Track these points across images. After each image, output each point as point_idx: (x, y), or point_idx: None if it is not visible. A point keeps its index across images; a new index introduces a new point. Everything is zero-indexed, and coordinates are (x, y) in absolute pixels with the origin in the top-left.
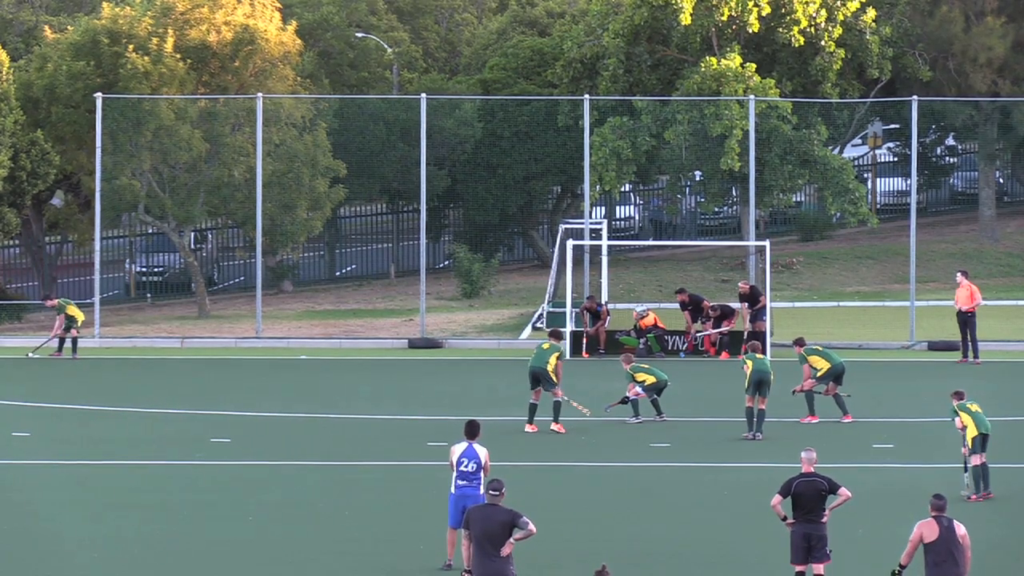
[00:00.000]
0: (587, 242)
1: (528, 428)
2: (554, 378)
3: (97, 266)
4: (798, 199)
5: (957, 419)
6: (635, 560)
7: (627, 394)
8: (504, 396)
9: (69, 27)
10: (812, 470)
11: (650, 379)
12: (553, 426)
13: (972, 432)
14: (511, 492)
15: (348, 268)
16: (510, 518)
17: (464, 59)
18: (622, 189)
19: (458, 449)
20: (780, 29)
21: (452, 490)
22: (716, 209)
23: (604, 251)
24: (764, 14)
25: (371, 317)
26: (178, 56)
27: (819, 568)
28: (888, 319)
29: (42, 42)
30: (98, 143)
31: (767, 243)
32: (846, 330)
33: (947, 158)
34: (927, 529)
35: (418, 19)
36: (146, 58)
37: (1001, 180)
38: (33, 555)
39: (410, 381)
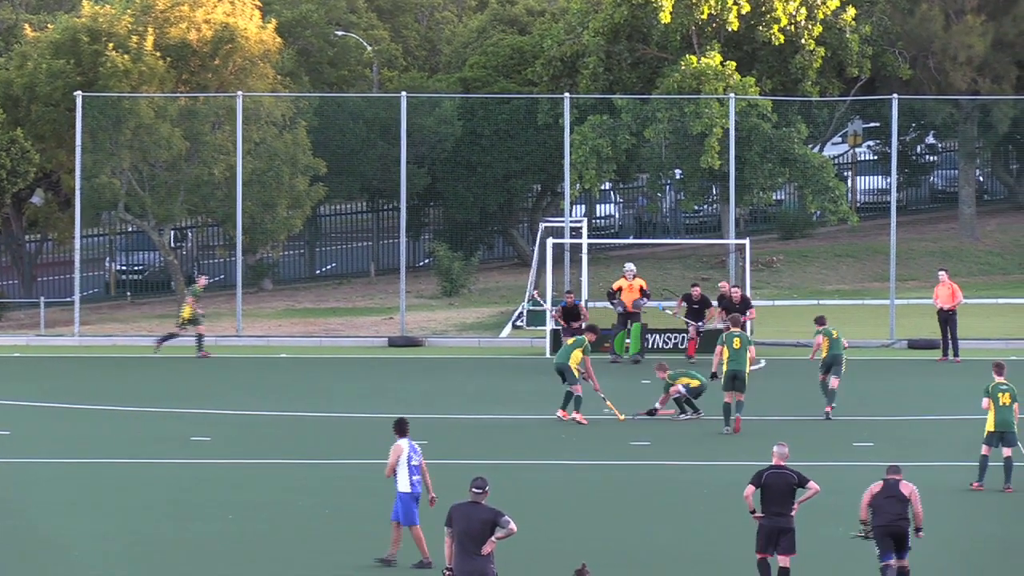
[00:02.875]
0: (567, 240)
1: (571, 416)
2: (576, 373)
3: (77, 264)
4: (778, 197)
5: (985, 399)
6: (615, 559)
7: (656, 404)
8: (484, 394)
9: (49, 25)
10: (783, 464)
11: (694, 382)
12: (575, 415)
13: (989, 426)
14: (492, 490)
15: (328, 266)
16: (492, 517)
17: (444, 57)
18: (602, 187)
19: (404, 446)
20: (760, 27)
21: (405, 488)
22: (696, 207)
23: (584, 249)
24: (744, 12)
25: (351, 315)
26: (158, 54)
27: (784, 561)
28: (868, 317)
29: (22, 40)
30: (78, 141)
31: (747, 241)
32: None
33: (927, 156)
34: (874, 486)
35: (398, 17)
36: (126, 56)
37: (981, 178)
38: (12, 553)
39: (390, 379)
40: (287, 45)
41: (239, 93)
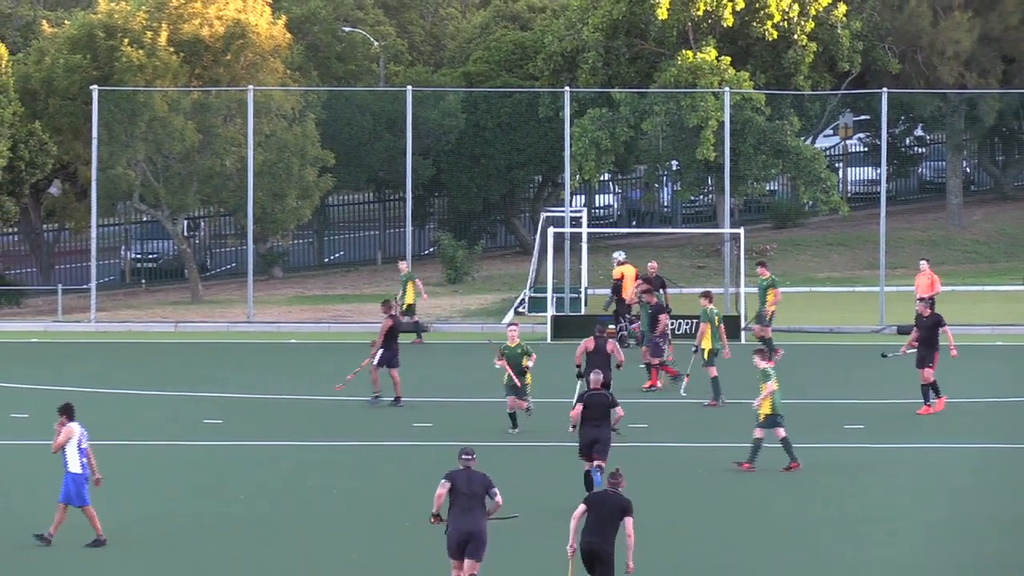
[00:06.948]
0: (567, 229)
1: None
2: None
3: (94, 253)
4: (772, 188)
5: (770, 383)
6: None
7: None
8: (487, 378)
9: (66, 21)
10: (600, 388)
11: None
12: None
13: (768, 409)
14: (496, 472)
15: (336, 255)
16: (487, 480)
17: (448, 52)
18: (601, 178)
19: (76, 429)
20: (754, 23)
21: (77, 469)
22: (692, 198)
23: (584, 238)
24: (738, 9)
25: (358, 302)
26: (172, 49)
27: (600, 460)
28: (858, 304)
29: (40, 36)
30: (94, 134)
31: (741, 230)
32: (818, 315)
33: (916, 148)
34: (589, 343)
35: (404, 13)
36: (140, 51)
37: (968, 170)
38: (28, 534)
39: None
40: (296, 41)
41: (250, 87)
